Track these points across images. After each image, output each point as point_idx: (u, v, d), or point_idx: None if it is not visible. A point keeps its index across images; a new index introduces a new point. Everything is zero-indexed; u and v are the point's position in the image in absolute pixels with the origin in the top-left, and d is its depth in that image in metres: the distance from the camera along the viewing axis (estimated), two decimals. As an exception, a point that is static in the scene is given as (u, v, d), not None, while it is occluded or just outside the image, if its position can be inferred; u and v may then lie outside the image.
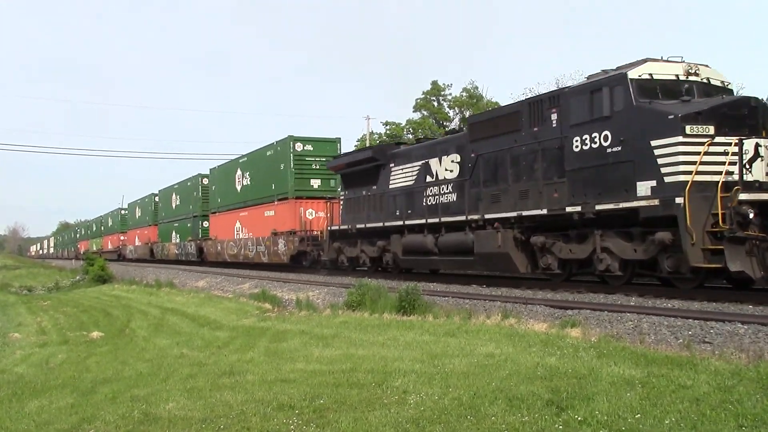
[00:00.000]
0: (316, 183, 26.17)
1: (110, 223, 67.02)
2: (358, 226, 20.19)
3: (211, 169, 36.43)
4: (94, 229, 77.19)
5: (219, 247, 33.32)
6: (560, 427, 5.20)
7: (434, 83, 46.81)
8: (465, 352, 8.32)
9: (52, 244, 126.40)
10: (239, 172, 31.60)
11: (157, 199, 49.19)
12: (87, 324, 18.03)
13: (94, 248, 70.80)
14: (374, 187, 20.05)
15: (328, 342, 10.00)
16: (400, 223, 18.15)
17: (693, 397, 5.64)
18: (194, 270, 33.84)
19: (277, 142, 27.10)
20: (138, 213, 54.91)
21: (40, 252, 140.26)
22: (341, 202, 22.42)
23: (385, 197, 19.40)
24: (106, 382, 8.98)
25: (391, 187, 19.24)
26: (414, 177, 18.12)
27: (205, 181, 37.64)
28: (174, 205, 43.61)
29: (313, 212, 25.61)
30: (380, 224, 19.06)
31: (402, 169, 18.83)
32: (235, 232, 31.41)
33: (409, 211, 18.00)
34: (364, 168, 20.52)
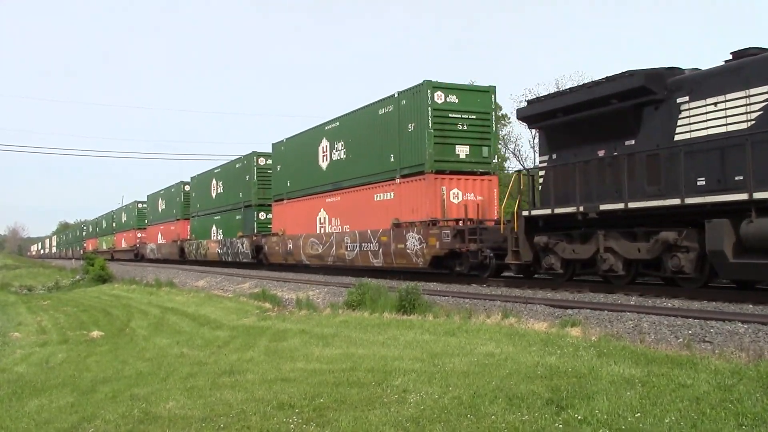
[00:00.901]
0: (463, 151, 18.08)
1: (125, 219, 58.62)
2: (606, 207, 12.56)
3: (273, 145, 27.90)
4: (105, 225, 69.11)
5: (289, 246, 25.06)
6: (560, 426, 5.20)
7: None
8: (465, 351, 8.32)
9: (54, 243, 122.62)
10: (324, 143, 23.31)
11: (187, 188, 40.96)
12: (87, 323, 18.03)
13: (104, 247, 65.24)
14: (630, 142, 12.53)
15: (328, 341, 10.01)
16: (743, 197, 10.25)
17: (693, 396, 5.64)
18: (194, 270, 33.82)
19: (400, 93, 18.95)
20: (161, 206, 46.29)
21: (42, 252, 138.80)
22: (541, 173, 14.62)
23: (666, 157, 11.79)
24: (106, 381, 8.98)
25: (681, 137, 11.58)
26: (756, 113, 10.46)
27: (263, 161, 30.04)
28: (214, 194, 35.29)
29: (459, 193, 17.82)
30: (676, 201, 11.27)
31: (713, 104, 11.12)
32: (318, 225, 23.29)
33: (740, 177, 10.47)
34: (604, 111, 12.81)
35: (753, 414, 5.10)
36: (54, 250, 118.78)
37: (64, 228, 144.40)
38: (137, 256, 52.32)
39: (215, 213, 35.00)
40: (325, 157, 23.34)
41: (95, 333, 15.69)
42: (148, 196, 51.22)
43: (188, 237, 40.04)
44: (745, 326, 8.32)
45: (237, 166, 32.56)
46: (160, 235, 46.12)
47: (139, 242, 52.64)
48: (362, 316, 12.41)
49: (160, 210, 46.79)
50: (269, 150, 29.02)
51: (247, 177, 30.87)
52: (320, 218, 23.38)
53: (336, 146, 22.60)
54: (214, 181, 35.68)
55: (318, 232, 23.30)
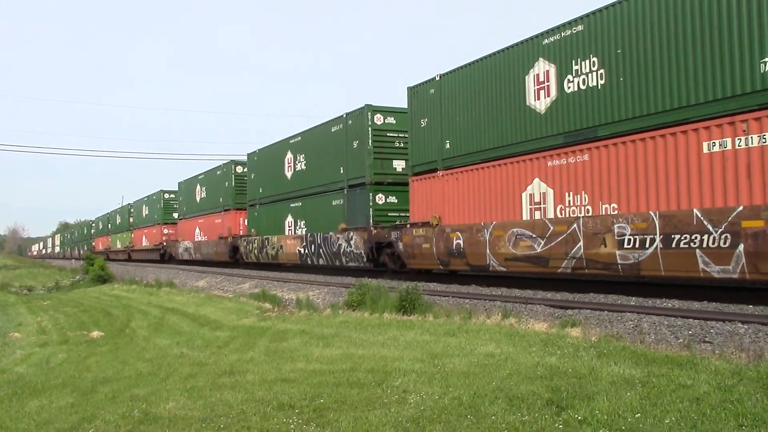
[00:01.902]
0: None
1: (146, 212, 49.44)
2: None
3: (412, 90, 17.93)
4: (119, 221, 59.85)
5: (457, 242, 15.71)
6: (560, 426, 5.21)
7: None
8: (465, 351, 8.33)
9: (57, 243, 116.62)
10: (542, 66, 13.85)
11: (241, 169, 32.05)
12: (87, 323, 18.02)
13: (119, 245, 57.81)
14: None
15: (328, 341, 10.01)
16: None
17: (693, 397, 5.65)
18: (194, 270, 33.79)
19: None
20: (201, 194, 36.90)
21: (43, 252, 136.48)
22: None
23: None
24: (106, 381, 8.99)
25: None
26: None
27: (381, 119, 20.36)
28: (290, 174, 25.76)
29: None
30: None
31: None
32: (527, 207, 14.02)
33: None
34: None
35: (753, 414, 5.10)
36: (57, 249, 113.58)
37: (64, 227, 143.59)
38: (164, 256, 43.98)
39: (292, 199, 25.51)
40: (543, 92, 13.77)
41: (95, 333, 15.69)
42: (179, 183, 41.24)
43: (245, 232, 30.63)
44: (745, 327, 8.33)
45: (333, 129, 22.48)
46: (198, 230, 36.76)
47: (166, 240, 44.00)
48: (362, 317, 12.41)
49: (198, 199, 37.20)
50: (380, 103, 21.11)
51: (356, 144, 20.88)
52: (531, 195, 13.96)
53: (575, 68, 13.00)
54: (289, 156, 25.94)
55: (528, 218, 13.98)
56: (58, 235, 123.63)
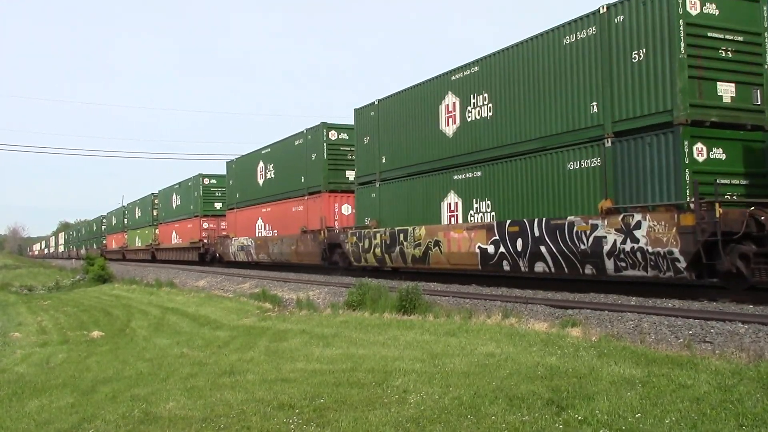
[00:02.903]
0: None
1: (177, 203, 40.32)
2: None
3: None
4: (138, 215, 50.53)
5: None
6: (560, 426, 5.20)
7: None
8: (465, 351, 8.33)
9: (60, 242, 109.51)
10: None
11: (335, 135, 23.43)
12: (87, 323, 18.02)
13: (139, 243, 49.70)
14: None
15: (328, 341, 10.01)
16: None
17: (693, 397, 5.65)
18: (194, 269, 33.77)
19: None
20: (265, 174, 28.29)
21: (45, 251, 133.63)
22: None
23: None
24: (106, 381, 8.98)
25: None
26: None
27: (697, 7, 10.92)
28: (451, 129, 16.58)
29: None
30: None
31: None
32: None
33: None
34: None
35: (753, 414, 5.10)
36: (61, 249, 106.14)
37: (65, 227, 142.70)
38: (206, 256, 36.00)
39: (456, 168, 16.50)
40: None
41: (95, 333, 15.69)
42: (228, 162, 32.97)
43: (343, 224, 22.62)
44: (746, 326, 8.32)
45: (567, 41, 13.09)
46: (261, 222, 28.33)
47: (207, 235, 35.91)
48: (363, 317, 12.41)
49: (261, 182, 28.68)
50: None
51: (638, 55, 11.63)
52: None
53: None
54: (449, 100, 16.69)
55: None
56: (62, 233, 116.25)
